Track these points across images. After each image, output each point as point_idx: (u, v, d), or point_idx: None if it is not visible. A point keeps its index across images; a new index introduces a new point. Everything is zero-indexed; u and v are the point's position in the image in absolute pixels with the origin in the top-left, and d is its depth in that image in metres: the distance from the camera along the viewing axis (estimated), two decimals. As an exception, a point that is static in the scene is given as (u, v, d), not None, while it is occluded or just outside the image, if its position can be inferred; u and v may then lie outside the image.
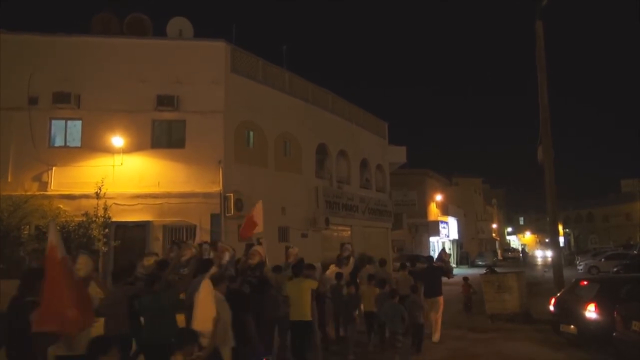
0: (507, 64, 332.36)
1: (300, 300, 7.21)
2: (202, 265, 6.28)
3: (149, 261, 7.02)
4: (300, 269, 7.56)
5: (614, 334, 7.55)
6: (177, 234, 14.29)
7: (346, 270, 9.55)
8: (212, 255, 7.20)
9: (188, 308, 5.51)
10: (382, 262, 11.30)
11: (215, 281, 5.39)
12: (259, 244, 8.56)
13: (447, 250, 39.38)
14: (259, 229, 9.68)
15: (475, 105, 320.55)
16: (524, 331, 10.98)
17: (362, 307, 9.33)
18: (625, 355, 7.54)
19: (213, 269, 6.19)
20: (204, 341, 4.61)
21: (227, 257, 7.02)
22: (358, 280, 9.80)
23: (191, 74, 15.35)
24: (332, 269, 9.70)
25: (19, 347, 4.35)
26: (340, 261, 9.84)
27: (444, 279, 10.58)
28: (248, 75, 16.74)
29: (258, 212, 9.92)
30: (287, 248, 9.11)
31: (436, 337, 9.87)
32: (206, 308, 4.89)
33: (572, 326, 9.05)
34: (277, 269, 8.03)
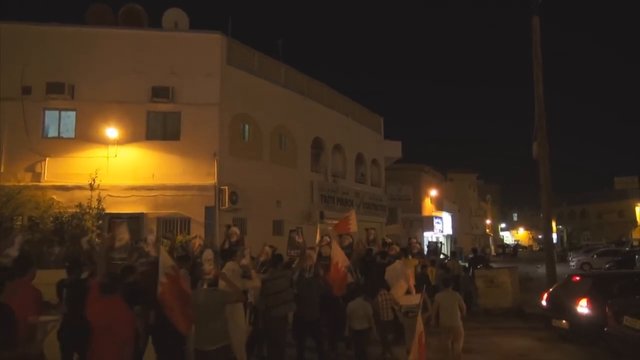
0: (503, 59, 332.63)
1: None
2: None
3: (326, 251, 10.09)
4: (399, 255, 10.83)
5: (606, 328, 7.63)
6: (171, 227, 14.25)
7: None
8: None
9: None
10: (434, 251, 15.26)
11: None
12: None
13: (439, 245, 39.59)
14: (354, 229, 11.97)
15: (473, 101, 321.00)
16: (517, 326, 11.05)
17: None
18: (616, 350, 7.63)
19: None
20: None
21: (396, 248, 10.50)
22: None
23: (186, 65, 15.24)
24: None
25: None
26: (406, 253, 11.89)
27: None
28: (244, 68, 16.63)
29: (352, 219, 12.22)
30: (410, 238, 12.56)
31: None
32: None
33: (564, 321, 9.12)
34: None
